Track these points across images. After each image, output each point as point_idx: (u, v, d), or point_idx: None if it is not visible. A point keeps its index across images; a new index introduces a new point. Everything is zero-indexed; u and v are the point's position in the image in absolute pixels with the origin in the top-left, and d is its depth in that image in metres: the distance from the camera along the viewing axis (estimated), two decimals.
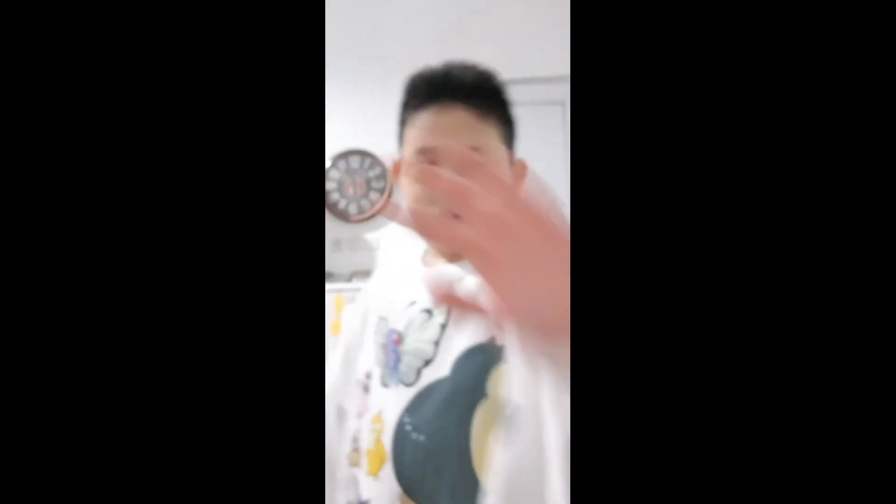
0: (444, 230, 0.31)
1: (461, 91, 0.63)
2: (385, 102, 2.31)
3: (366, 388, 0.65)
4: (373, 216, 2.07)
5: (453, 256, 0.67)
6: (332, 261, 2.02)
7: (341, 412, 0.69)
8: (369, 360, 0.67)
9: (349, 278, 1.91)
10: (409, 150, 0.65)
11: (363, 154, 2.08)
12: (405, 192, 0.66)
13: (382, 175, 2.06)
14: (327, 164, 2.08)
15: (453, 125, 0.62)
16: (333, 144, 2.08)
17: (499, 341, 0.58)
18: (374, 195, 2.06)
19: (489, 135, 0.64)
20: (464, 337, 0.60)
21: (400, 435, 0.59)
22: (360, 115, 2.13)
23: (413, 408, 0.59)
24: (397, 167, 0.71)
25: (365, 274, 1.95)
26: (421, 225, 0.31)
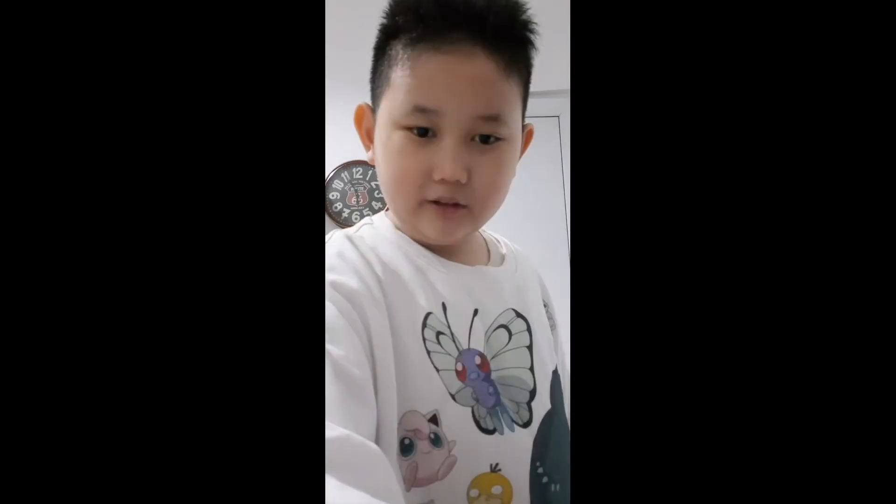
0: None
1: (487, 29, 0.43)
2: None
3: (434, 440, 0.41)
4: None
5: (453, 248, 0.50)
6: None
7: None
8: (427, 390, 0.42)
9: None
10: (399, 101, 0.44)
11: (366, 164, 2.12)
12: (381, 162, 0.46)
13: None
14: (330, 174, 2.12)
15: (472, 80, 0.42)
16: (336, 155, 2.12)
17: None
18: (376, 205, 2.10)
19: (512, 97, 0.45)
20: (547, 359, 0.48)
21: (537, 491, 0.42)
22: None
23: (542, 452, 0.43)
24: (361, 112, 0.50)
25: None
26: None
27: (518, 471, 0.41)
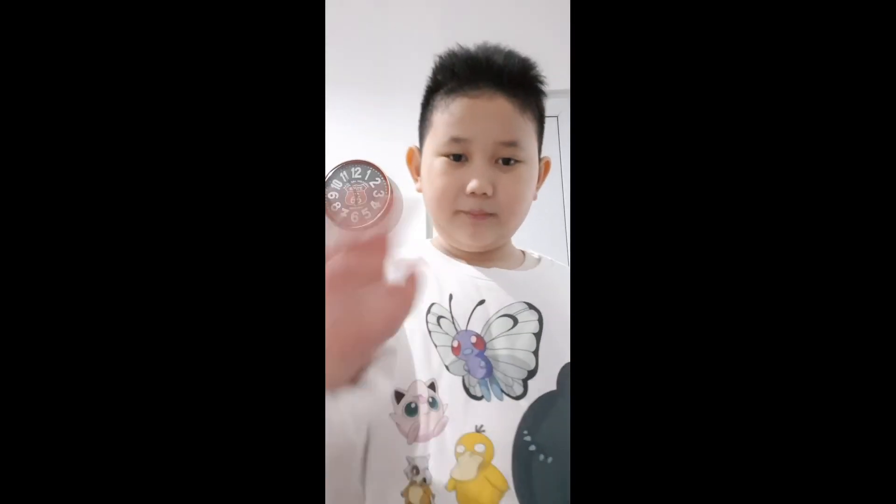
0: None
1: (504, 79, 0.57)
2: (386, 113, 2.35)
3: (432, 402, 0.51)
4: (373, 225, 2.10)
5: (484, 258, 0.60)
6: None
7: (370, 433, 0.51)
8: (425, 363, 0.52)
9: None
10: (439, 136, 0.58)
11: (364, 164, 2.12)
12: (426, 183, 0.59)
13: (383, 185, 2.10)
14: (329, 173, 2.12)
15: (494, 115, 0.56)
16: (335, 155, 2.12)
17: None
18: (375, 204, 2.10)
19: (527, 130, 0.59)
20: (559, 349, 0.54)
21: (523, 457, 0.48)
22: (361, 126, 2.17)
23: (531, 423, 0.49)
24: (412, 153, 0.65)
25: None
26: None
27: (502, 434, 0.48)
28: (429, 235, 2.39)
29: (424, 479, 0.47)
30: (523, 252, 0.68)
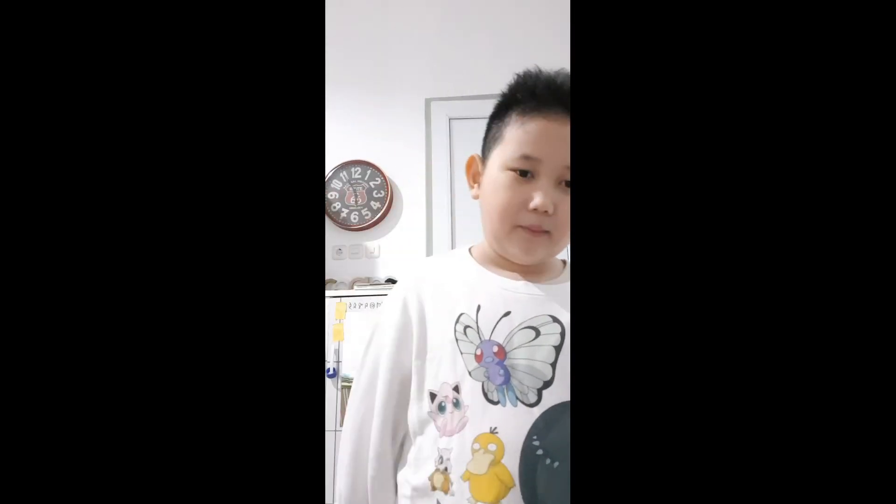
0: None
1: None
2: (386, 114, 2.34)
3: (455, 403, 0.58)
4: (373, 225, 2.11)
5: (514, 267, 0.65)
6: (334, 268, 2.05)
7: (397, 425, 0.61)
8: (452, 368, 0.59)
9: (351, 285, 1.95)
10: (509, 151, 0.61)
11: (364, 164, 2.13)
12: (489, 194, 0.63)
13: (383, 185, 2.10)
14: (329, 174, 2.13)
15: (566, 139, 0.58)
16: (335, 155, 2.13)
17: None
18: (374, 204, 2.11)
19: None
20: None
21: (530, 459, 0.53)
22: (361, 127, 2.18)
23: (541, 429, 0.54)
24: (472, 161, 0.68)
25: (365, 281, 1.99)
26: None
27: (513, 437, 0.54)
28: (428, 242, 2.36)
29: (446, 469, 0.56)
30: (564, 262, 0.71)
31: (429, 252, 2.07)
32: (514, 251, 0.63)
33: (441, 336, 0.61)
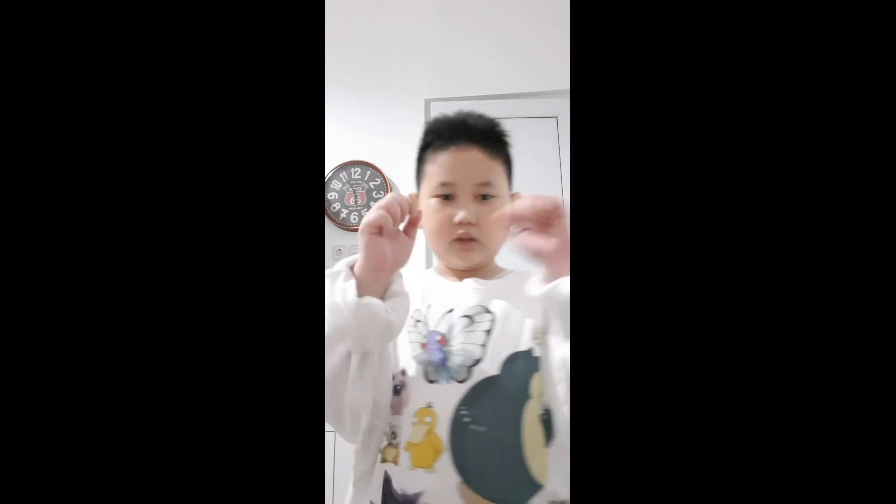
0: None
1: (477, 135, 0.76)
2: (386, 114, 2.34)
3: (401, 385, 0.67)
4: None
5: (461, 273, 0.77)
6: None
7: (377, 405, 0.68)
8: (402, 357, 0.70)
9: None
10: (431, 183, 0.75)
11: (364, 164, 2.12)
12: (425, 220, 0.75)
13: (383, 185, 2.10)
14: (329, 174, 2.13)
15: (470, 162, 0.74)
16: (335, 155, 2.13)
17: (535, 352, 0.67)
18: (374, 205, 2.11)
19: (497, 171, 0.76)
20: (507, 342, 0.68)
21: (458, 426, 0.62)
22: (361, 127, 2.18)
23: (469, 400, 0.63)
24: (415, 198, 0.81)
25: None
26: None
27: (444, 409, 0.64)
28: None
29: (396, 444, 0.64)
30: (502, 269, 0.84)
31: (428, 252, 2.07)
32: (454, 260, 0.76)
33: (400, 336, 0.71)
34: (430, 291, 0.76)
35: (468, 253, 0.75)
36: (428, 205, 0.76)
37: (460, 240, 0.74)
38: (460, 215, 0.72)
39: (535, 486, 0.60)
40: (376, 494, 0.64)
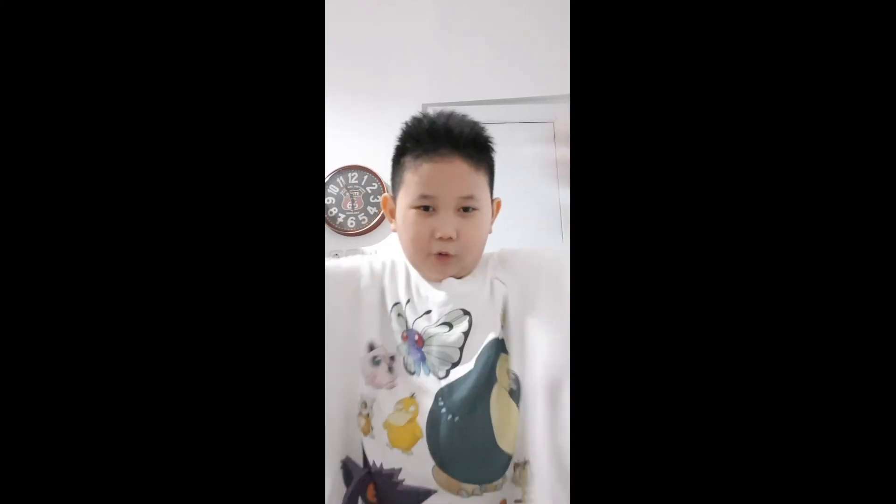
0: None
1: (460, 144, 0.70)
2: (383, 119, 2.34)
3: (389, 368, 0.70)
4: (370, 230, 2.11)
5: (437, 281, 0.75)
6: None
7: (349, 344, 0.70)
8: (382, 335, 0.71)
9: None
10: (410, 193, 0.71)
11: (361, 169, 2.13)
12: (402, 229, 0.74)
13: (380, 190, 2.10)
14: (326, 179, 2.12)
15: (453, 175, 0.70)
16: (332, 160, 2.13)
17: (500, 335, 0.70)
18: (371, 209, 2.11)
19: (481, 183, 0.73)
20: (484, 338, 0.70)
21: (435, 417, 0.66)
22: (358, 132, 2.18)
23: (446, 394, 0.67)
24: (386, 201, 0.79)
25: None
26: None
27: (424, 400, 0.67)
28: None
29: (369, 415, 0.68)
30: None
31: None
32: (428, 273, 0.75)
33: (381, 307, 0.73)
34: (410, 286, 0.75)
35: (445, 268, 0.73)
36: (406, 215, 0.72)
37: (437, 256, 0.71)
38: (441, 230, 0.70)
39: (507, 459, 0.65)
40: (353, 453, 0.68)
